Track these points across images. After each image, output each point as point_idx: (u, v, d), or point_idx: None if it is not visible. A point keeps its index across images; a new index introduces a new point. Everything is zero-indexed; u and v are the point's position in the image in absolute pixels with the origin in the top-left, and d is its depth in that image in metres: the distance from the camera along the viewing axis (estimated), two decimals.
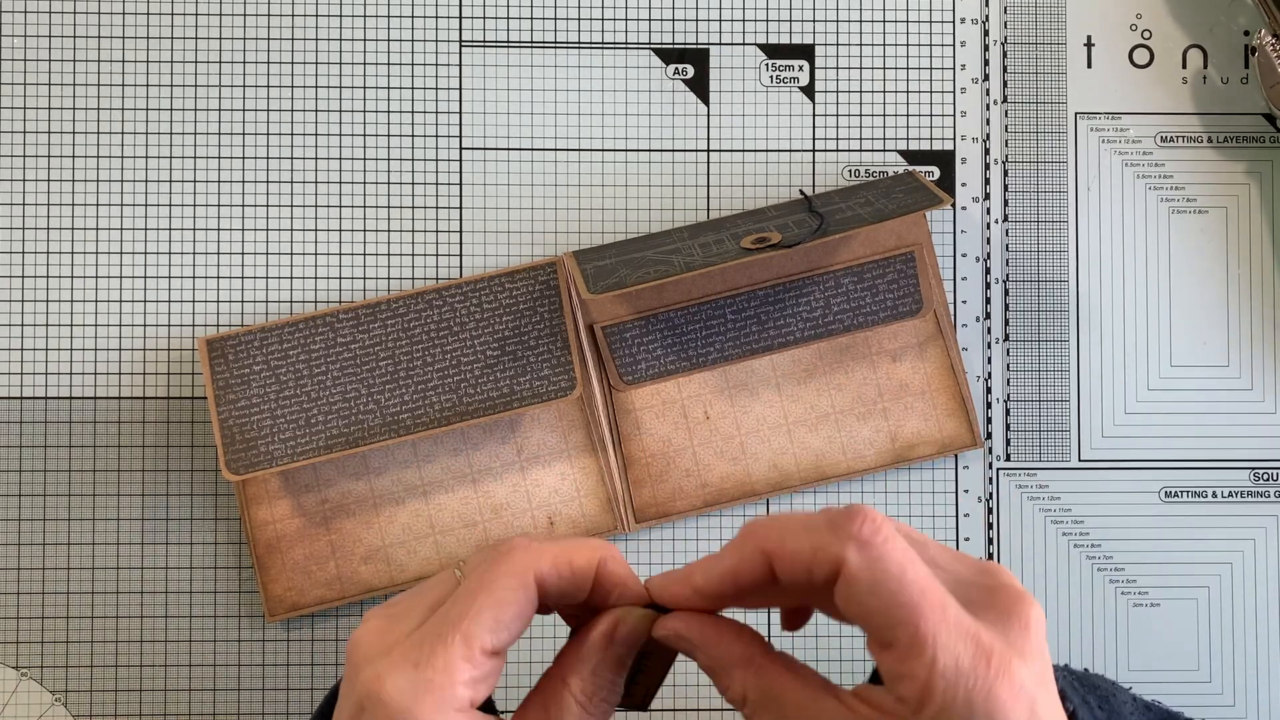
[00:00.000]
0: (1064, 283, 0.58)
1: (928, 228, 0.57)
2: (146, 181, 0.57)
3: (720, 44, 0.58)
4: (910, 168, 0.58)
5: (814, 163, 0.58)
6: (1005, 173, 0.58)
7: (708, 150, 0.58)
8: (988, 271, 0.58)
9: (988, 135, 0.58)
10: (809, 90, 0.58)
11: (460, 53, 0.58)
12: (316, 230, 0.57)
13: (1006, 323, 0.58)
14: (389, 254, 0.57)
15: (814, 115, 0.58)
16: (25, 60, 0.57)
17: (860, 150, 0.58)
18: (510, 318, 0.55)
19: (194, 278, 0.57)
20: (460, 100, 0.58)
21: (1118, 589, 0.57)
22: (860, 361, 0.57)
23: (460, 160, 0.58)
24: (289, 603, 0.55)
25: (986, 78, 0.58)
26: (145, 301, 0.57)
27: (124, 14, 0.57)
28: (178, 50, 0.58)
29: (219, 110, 0.57)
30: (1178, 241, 0.58)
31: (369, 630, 0.37)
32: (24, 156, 0.57)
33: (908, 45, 0.58)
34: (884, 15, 0.58)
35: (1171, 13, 0.59)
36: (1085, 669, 0.38)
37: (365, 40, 0.58)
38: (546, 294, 0.55)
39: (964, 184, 0.58)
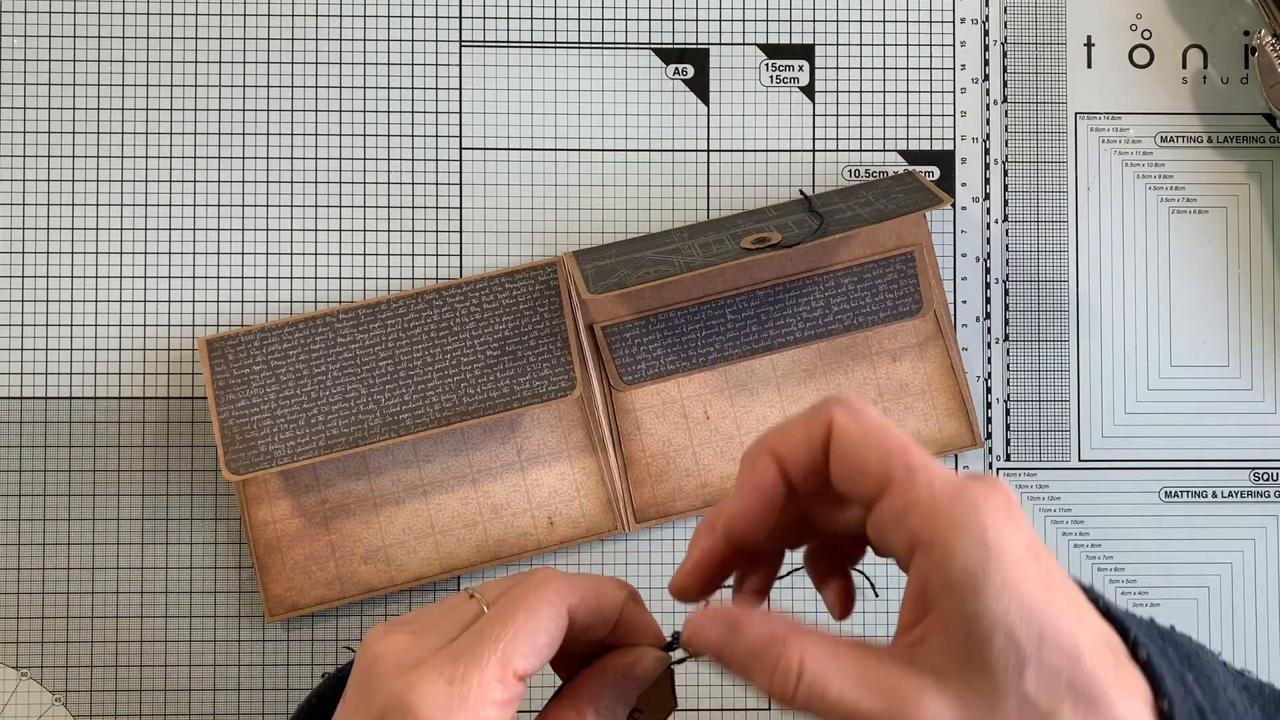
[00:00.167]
0: (1064, 283, 0.58)
1: (928, 228, 0.57)
2: (146, 181, 0.57)
3: (720, 44, 0.58)
4: (910, 168, 0.58)
5: (814, 163, 0.58)
6: (1005, 173, 0.58)
7: (708, 150, 0.58)
8: (988, 271, 0.58)
9: (988, 135, 0.58)
10: (809, 90, 0.58)
11: (460, 53, 0.58)
12: (316, 230, 0.57)
13: (1006, 323, 0.58)
14: (389, 254, 0.57)
15: (814, 115, 0.58)
16: (25, 60, 0.57)
17: (860, 150, 0.58)
18: (510, 318, 0.55)
19: (194, 278, 0.57)
20: (460, 100, 0.58)
21: (1118, 589, 0.57)
22: (860, 361, 0.57)
23: (460, 160, 0.58)
24: (289, 603, 0.55)
25: (986, 78, 0.58)
26: (145, 301, 0.57)
27: (124, 14, 0.57)
28: (178, 50, 0.58)
29: (219, 110, 0.57)
30: (1178, 241, 0.58)
31: (394, 643, 0.36)
32: (24, 156, 0.57)
33: (908, 45, 0.58)
34: (884, 15, 0.58)
35: (1171, 13, 0.59)
36: (1171, 625, 0.37)
37: (365, 40, 0.58)
38: (546, 294, 0.55)
39: (964, 184, 0.58)
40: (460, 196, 0.58)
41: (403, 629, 0.37)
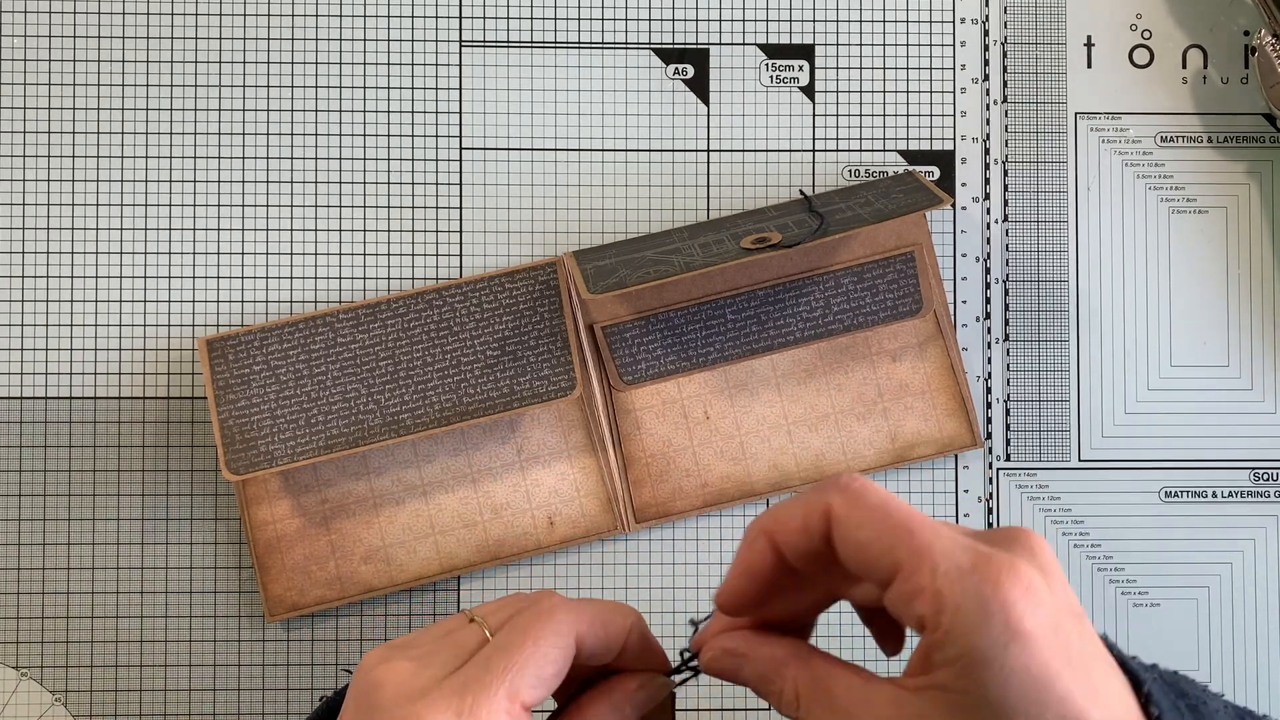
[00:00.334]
0: (1064, 283, 0.58)
1: (928, 228, 0.57)
2: (146, 181, 0.57)
3: (720, 44, 0.58)
4: (910, 168, 0.58)
5: (814, 163, 0.58)
6: (1005, 173, 0.58)
7: (708, 150, 0.58)
8: (988, 271, 0.58)
9: (988, 135, 0.58)
10: (809, 90, 0.58)
11: (460, 53, 0.58)
12: (316, 230, 0.57)
13: (1006, 323, 0.58)
14: (389, 254, 0.57)
15: (814, 115, 0.58)
16: (25, 60, 0.57)
17: (860, 150, 0.58)
18: (510, 318, 0.55)
19: (194, 278, 0.57)
20: (460, 100, 0.58)
21: (1118, 589, 0.57)
22: (860, 361, 0.57)
23: (460, 160, 0.58)
24: (289, 603, 0.55)
25: (986, 78, 0.58)
26: (145, 301, 0.57)
27: (124, 14, 0.57)
28: (178, 50, 0.58)
29: (219, 110, 0.57)
30: (1178, 241, 0.58)
31: (396, 671, 0.36)
32: (24, 156, 0.57)
33: (908, 45, 0.58)
34: (884, 15, 0.58)
35: (1171, 13, 0.59)
36: (1175, 671, 0.37)
37: (365, 40, 0.58)
38: (546, 294, 0.55)
39: (964, 184, 0.58)
40: (460, 196, 0.58)
41: (403, 655, 0.37)
